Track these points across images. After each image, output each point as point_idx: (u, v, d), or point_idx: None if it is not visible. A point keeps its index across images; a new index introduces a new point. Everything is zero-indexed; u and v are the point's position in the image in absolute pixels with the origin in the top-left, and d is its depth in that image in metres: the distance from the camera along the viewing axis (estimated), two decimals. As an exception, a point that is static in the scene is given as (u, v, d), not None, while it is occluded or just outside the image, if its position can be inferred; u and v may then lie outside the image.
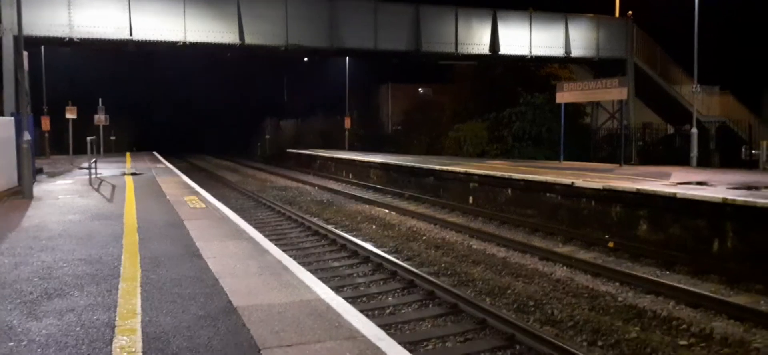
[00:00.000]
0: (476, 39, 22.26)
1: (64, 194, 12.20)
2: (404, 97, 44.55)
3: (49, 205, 10.53)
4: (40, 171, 17.24)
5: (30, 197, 11.40)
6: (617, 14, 25.05)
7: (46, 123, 26.85)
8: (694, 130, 20.51)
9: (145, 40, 18.15)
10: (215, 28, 18.86)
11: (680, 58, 25.09)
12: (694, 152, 19.92)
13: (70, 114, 24.12)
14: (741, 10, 37.91)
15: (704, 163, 20.73)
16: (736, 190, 10.23)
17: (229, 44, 19.15)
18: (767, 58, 35.00)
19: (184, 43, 18.56)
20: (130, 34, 17.82)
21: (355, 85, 41.72)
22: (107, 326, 4.19)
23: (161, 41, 18.42)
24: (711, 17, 27.66)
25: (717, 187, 10.82)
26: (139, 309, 4.54)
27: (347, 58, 35.53)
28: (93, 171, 15.61)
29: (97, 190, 13.19)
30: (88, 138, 15.36)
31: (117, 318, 4.34)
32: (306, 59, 41.40)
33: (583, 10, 24.18)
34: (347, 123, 38.20)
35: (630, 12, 24.69)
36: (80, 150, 26.00)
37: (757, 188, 10.58)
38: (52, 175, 17.64)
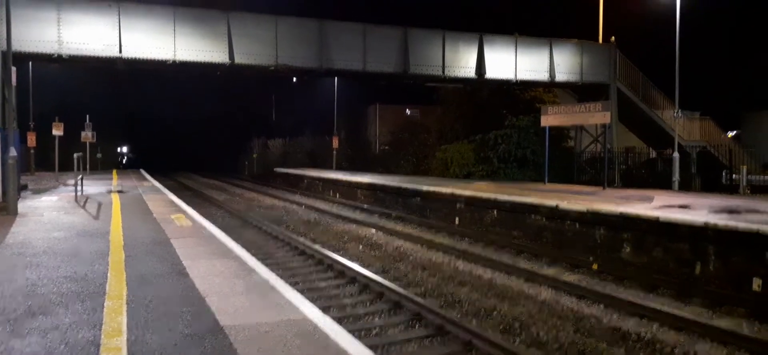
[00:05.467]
0: (463, 62, 22.54)
1: (50, 211, 12.08)
2: (392, 117, 44.86)
3: (33, 221, 10.42)
4: (24, 187, 17.06)
5: (14, 213, 11.28)
6: (601, 40, 25.54)
7: (32, 139, 26.61)
8: (676, 155, 20.86)
9: (135, 58, 18.12)
10: (205, 47, 18.90)
11: (662, 84, 25.65)
12: (676, 176, 20.24)
13: (57, 130, 23.92)
14: (721, 39, 38.90)
15: (686, 187, 21.06)
16: (718, 214, 10.41)
17: (218, 63, 19.19)
18: (746, 85, 35.91)
19: (174, 61, 18.56)
20: (120, 52, 17.80)
21: (343, 105, 42.00)
22: (92, 344, 4.17)
23: (151, 59, 18.40)
24: (692, 45, 28.37)
25: (699, 210, 11.01)
26: (124, 327, 4.53)
27: (336, 78, 35.74)
28: (79, 188, 15.48)
29: (83, 207, 13.08)
30: (75, 155, 15.25)
31: (102, 336, 4.32)
32: (295, 79, 41.65)
33: (568, 36, 24.63)
34: (335, 143, 38.30)
35: (613, 38, 25.20)
36: (66, 167, 25.77)
37: (738, 211, 10.78)
38: (37, 191, 17.46)
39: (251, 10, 20.01)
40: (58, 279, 6.05)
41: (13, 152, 11.34)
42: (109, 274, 6.29)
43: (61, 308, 5.02)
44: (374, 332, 7.00)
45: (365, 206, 20.74)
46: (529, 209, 13.44)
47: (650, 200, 13.47)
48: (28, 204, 13.45)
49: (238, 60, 19.29)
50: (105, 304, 5.15)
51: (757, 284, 8.46)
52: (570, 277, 9.83)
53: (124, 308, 5.04)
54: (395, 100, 45.42)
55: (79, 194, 15.29)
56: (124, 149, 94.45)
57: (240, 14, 19.59)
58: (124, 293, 5.52)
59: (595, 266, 10.26)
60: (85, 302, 5.20)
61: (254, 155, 54.15)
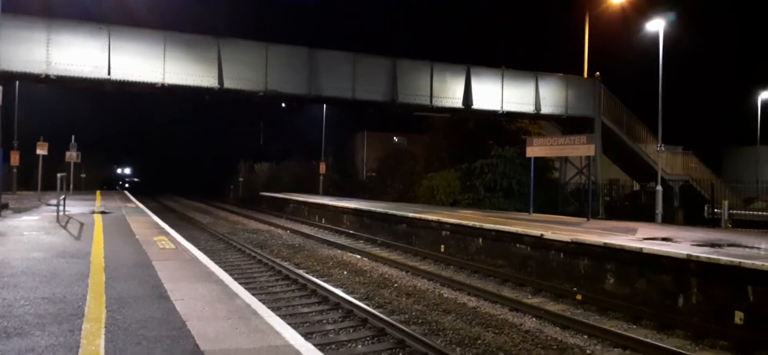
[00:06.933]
0: (450, 93, 22.83)
1: (30, 231, 11.89)
2: (379, 144, 45.08)
3: (13, 241, 10.24)
4: (5, 206, 16.78)
5: (-7, 232, 11.08)
6: (586, 74, 26.04)
7: (15, 158, 26.27)
8: (659, 188, 21.15)
9: (124, 80, 18.12)
10: (195, 71, 18.96)
11: (646, 119, 26.15)
12: (659, 209, 20.49)
13: (41, 150, 23.68)
14: (705, 75, 39.85)
15: (669, 219, 21.31)
16: (700, 247, 10.52)
17: (207, 88, 19.24)
18: (728, 121, 36.74)
19: (163, 84, 18.58)
20: (109, 74, 17.78)
21: (332, 132, 42.13)
22: (68, 367, 4.08)
23: (139, 82, 18.40)
24: (676, 80, 29.04)
25: (681, 243, 11.12)
26: (102, 351, 4.44)
27: (325, 105, 35.94)
28: (61, 208, 15.27)
29: (65, 227, 12.89)
30: (58, 174, 15.08)
31: (79, 359, 4.23)
32: (283, 105, 41.80)
33: (553, 70, 25.09)
34: (322, 168, 38.30)
35: (598, 73, 25.71)
36: (49, 187, 25.44)
37: (719, 245, 10.91)
38: (18, 211, 17.19)
39: (242, 37, 20.17)
40: (35, 300, 5.93)
41: (-5, 171, 11.20)
42: (88, 296, 6.19)
43: (37, 330, 4.92)
44: (357, 359, 6.93)
45: (351, 231, 20.68)
46: (514, 238, 13.49)
47: (634, 231, 13.60)
48: (8, 223, 13.23)
49: (227, 85, 19.36)
50: (83, 326, 5.06)
51: (739, 317, 8.53)
52: (554, 307, 9.84)
53: (103, 331, 4.95)
54: (383, 128, 45.71)
55: (61, 214, 15.07)
56: (127, 171, 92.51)
57: (231, 40, 19.73)
58: (103, 315, 5.43)
59: (579, 297, 10.29)
60: (62, 324, 5.10)
61: (240, 179, 53.92)
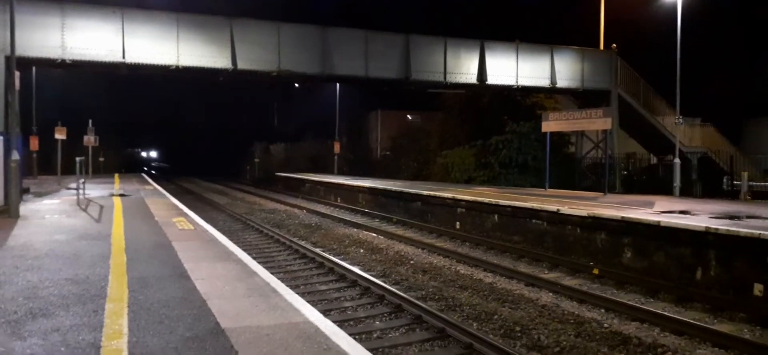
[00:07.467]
0: (464, 68, 22.60)
1: (51, 214, 12.12)
2: (393, 123, 44.93)
3: (35, 224, 10.46)
4: (27, 191, 17.11)
5: (16, 216, 11.32)
6: (602, 47, 25.59)
7: (34, 143, 26.68)
8: (677, 161, 20.87)
9: (138, 63, 18.20)
10: (208, 52, 18.98)
11: (663, 91, 25.68)
12: (677, 182, 20.24)
13: (60, 134, 23.99)
14: (723, 46, 38.95)
15: (687, 192, 21.05)
16: (719, 219, 10.41)
17: (221, 68, 19.26)
18: (747, 92, 35.94)
19: (177, 66, 18.64)
20: (123, 57, 17.87)
21: (345, 111, 42.06)
22: (92, 346, 4.18)
23: (154, 65, 18.48)
24: (693, 52, 28.42)
25: (699, 216, 11.00)
26: (125, 330, 4.54)
27: (338, 84, 35.83)
28: (81, 191, 15.53)
29: (85, 210, 13.12)
30: (77, 158, 15.31)
31: (103, 339, 4.33)
32: (297, 85, 41.77)
33: (569, 43, 24.68)
34: (337, 148, 38.35)
35: (614, 45, 25.24)
36: (69, 171, 25.84)
37: (738, 217, 10.78)
38: (39, 194, 17.51)
39: (254, 17, 20.11)
40: (59, 281, 6.07)
41: (15, 156, 11.40)
42: (110, 276, 6.31)
43: (62, 310, 5.04)
44: (375, 334, 7.01)
45: (366, 210, 20.76)
46: (530, 214, 13.45)
47: (651, 205, 13.47)
48: (30, 207, 13.49)
49: (240, 65, 19.37)
50: (106, 306, 5.17)
51: (758, 289, 8.45)
52: (571, 281, 9.82)
53: (126, 310, 5.06)
54: (397, 106, 45.52)
55: (81, 197, 15.33)
56: (153, 154, 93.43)
57: (243, 20, 19.67)
58: (126, 295, 5.54)
59: (596, 271, 10.26)
60: (86, 305, 5.22)
61: (256, 160, 54.24)
